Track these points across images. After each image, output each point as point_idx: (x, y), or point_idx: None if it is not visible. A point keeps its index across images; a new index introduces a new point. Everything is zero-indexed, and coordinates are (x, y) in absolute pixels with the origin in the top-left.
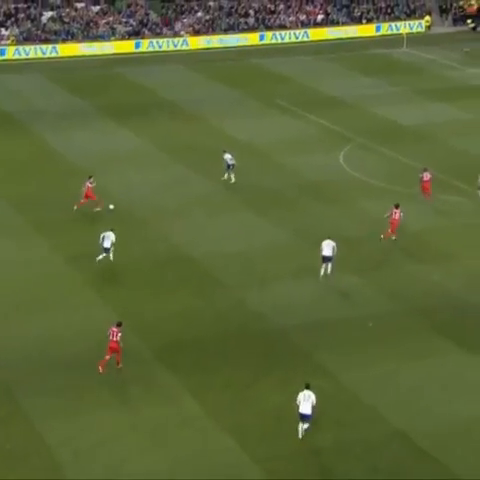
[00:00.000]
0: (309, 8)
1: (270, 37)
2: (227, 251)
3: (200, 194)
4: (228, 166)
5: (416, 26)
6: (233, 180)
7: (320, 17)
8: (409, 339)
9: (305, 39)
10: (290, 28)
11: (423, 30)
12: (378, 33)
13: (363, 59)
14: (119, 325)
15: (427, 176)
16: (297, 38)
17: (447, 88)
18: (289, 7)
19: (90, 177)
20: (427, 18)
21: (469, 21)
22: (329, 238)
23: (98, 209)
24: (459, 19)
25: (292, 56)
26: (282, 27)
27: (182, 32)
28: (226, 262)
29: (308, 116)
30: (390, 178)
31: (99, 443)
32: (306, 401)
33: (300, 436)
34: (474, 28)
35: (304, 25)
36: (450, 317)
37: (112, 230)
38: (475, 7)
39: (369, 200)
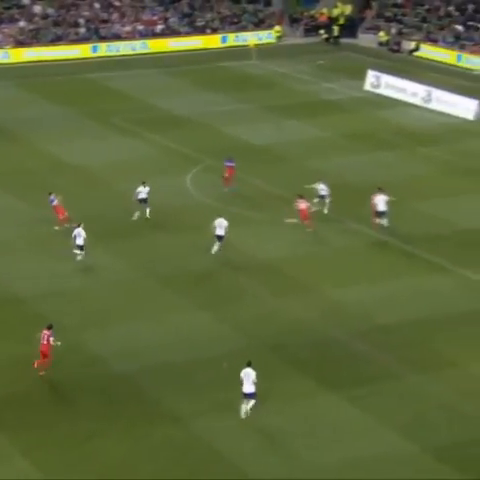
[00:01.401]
0: (146, 17)
1: (104, 49)
2: (60, 289)
3: (25, 224)
4: (140, 200)
5: (265, 37)
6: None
7: (160, 27)
8: (267, 379)
9: (144, 51)
10: (126, 39)
11: (273, 41)
12: (224, 44)
13: (209, 73)
14: (50, 328)
15: (302, 204)
16: (134, 50)
17: (301, 104)
18: (124, 16)
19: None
20: (277, 28)
21: (321, 31)
22: (221, 217)
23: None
24: (311, 29)
25: (130, 70)
26: (117, 37)
27: (2, 43)
28: (60, 301)
29: (150, 136)
30: (244, 203)
31: None
32: (247, 380)
33: (243, 416)
34: (327, 39)
35: (142, 35)
36: (310, 354)
37: (79, 225)
38: (326, 16)
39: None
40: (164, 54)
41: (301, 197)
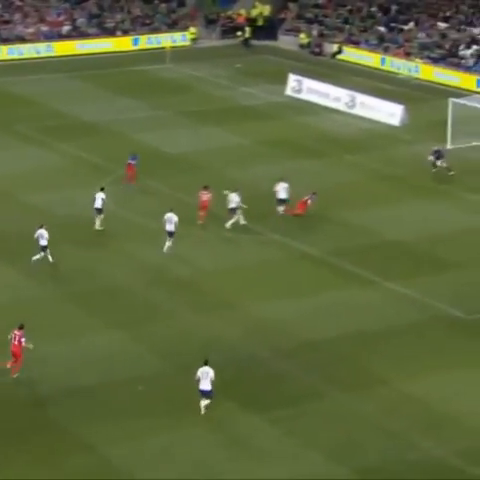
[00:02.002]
0: (51, 18)
1: (5, 51)
2: None
3: None
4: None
5: (180, 39)
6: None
7: (66, 28)
8: (185, 401)
9: (49, 54)
10: (30, 41)
11: (188, 43)
12: (136, 47)
13: (120, 77)
14: (21, 328)
15: (205, 196)
16: (39, 53)
17: (218, 109)
18: (27, 16)
19: None
20: (192, 30)
21: (239, 33)
22: (171, 211)
23: None
24: (228, 31)
25: (34, 74)
26: (20, 40)
27: None
28: None
29: (57, 145)
30: (161, 215)
31: None
32: (205, 379)
33: (203, 412)
34: (246, 41)
35: (47, 37)
36: (231, 374)
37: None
38: (244, 17)
39: (137, 242)
40: (71, 57)
41: (206, 188)
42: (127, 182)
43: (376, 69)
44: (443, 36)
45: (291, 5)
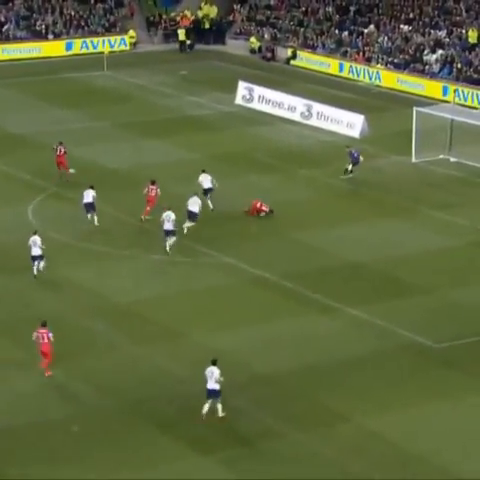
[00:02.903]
0: None
1: None
2: None
3: None
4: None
5: (118, 43)
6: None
7: None
8: (126, 444)
9: None
10: None
11: (127, 48)
12: (70, 52)
13: (52, 85)
14: (44, 325)
15: (153, 192)
16: None
17: (162, 120)
18: None
19: None
20: (131, 33)
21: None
22: (195, 195)
23: None
24: (171, 34)
25: None
26: None
27: None
28: None
29: None
30: (98, 236)
31: None
32: (210, 378)
33: (220, 414)
34: (191, 46)
35: None
36: (177, 410)
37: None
38: (189, 20)
39: (71, 266)
40: None
41: (153, 183)
42: (60, 170)
43: (334, 76)
44: (406, 40)
45: (239, 6)
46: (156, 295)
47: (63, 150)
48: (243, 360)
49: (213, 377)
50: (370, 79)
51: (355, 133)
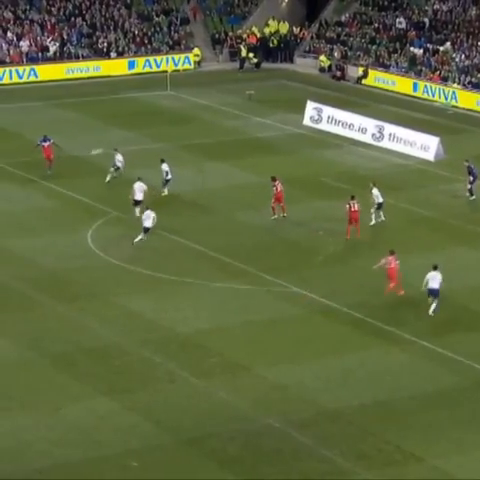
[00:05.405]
0: (38, 36)
1: None
2: None
3: None
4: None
5: (182, 61)
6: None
7: (53, 49)
8: None
9: (33, 79)
10: (11, 64)
11: (192, 67)
12: (132, 70)
13: (114, 105)
14: (392, 253)
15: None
16: (21, 77)
17: (227, 142)
18: (5, 32)
19: None
20: (196, 51)
21: (251, 55)
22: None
23: None
24: (238, 52)
25: (14, 102)
26: (1, 63)
27: None
28: None
29: (40, 183)
30: (158, 262)
31: None
32: (433, 279)
33: (431, 312)
34: (257, 64)
35: (31, 60)
36: (240, 448)
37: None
38: (258, 36)
39: (130, 294)
40: (58, 83)
41: (274, 179)
42: (48, 166)
43: (407, 96)
44: None
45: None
46: (217, 325)
47: (49, 142)
48: (309, 395)
49: (436, 278)
50: (446, 99)
51: (430, 156)
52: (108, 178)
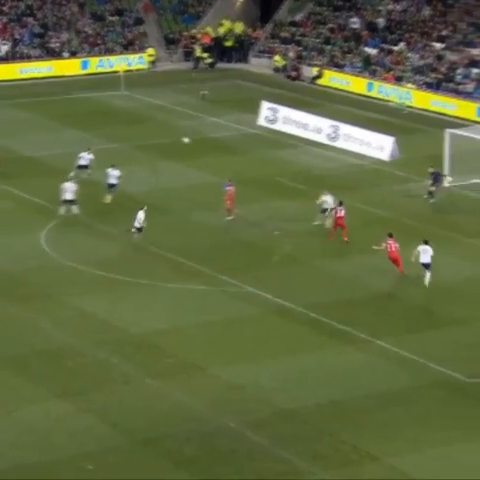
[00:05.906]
0: None
1: None
2: None
3: None
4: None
5: (136, 62)
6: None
7: (4, 48)
8: None
9: None
10: None
11: (146, 67)
12: (85, 71)
13: (67, 106)
14: (391, 235)
15: (341, 212)
16: None
17: (181, 142)
18: None
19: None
20: (150, 51)
21: (205, 55)
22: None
23: None
24: (191, 52)
25: None
26: None
27: None
28: None
29: None
30: (115, 263)
31: None
32: (425, 253)
33: (426, 284)
34: (211, 64)
35: None
36: (195, 448)
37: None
38: (212, 36)
39: (85, 295)
40: (9, 83)
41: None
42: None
43: (362, 96)
44: (439, 58)
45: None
46: (172, 326)
47: None
48: (265, 395)
49: (428, 253)
50: (400, 99)
51: (385, 156)
52: (108, 200)
